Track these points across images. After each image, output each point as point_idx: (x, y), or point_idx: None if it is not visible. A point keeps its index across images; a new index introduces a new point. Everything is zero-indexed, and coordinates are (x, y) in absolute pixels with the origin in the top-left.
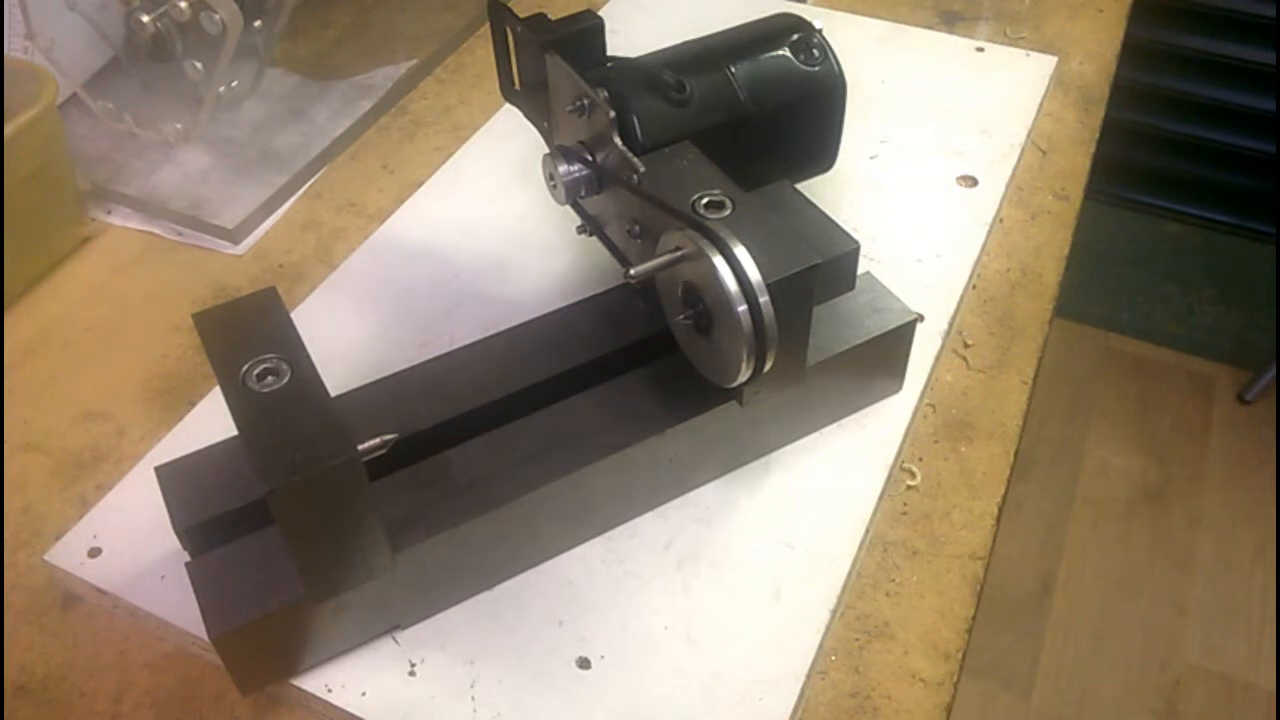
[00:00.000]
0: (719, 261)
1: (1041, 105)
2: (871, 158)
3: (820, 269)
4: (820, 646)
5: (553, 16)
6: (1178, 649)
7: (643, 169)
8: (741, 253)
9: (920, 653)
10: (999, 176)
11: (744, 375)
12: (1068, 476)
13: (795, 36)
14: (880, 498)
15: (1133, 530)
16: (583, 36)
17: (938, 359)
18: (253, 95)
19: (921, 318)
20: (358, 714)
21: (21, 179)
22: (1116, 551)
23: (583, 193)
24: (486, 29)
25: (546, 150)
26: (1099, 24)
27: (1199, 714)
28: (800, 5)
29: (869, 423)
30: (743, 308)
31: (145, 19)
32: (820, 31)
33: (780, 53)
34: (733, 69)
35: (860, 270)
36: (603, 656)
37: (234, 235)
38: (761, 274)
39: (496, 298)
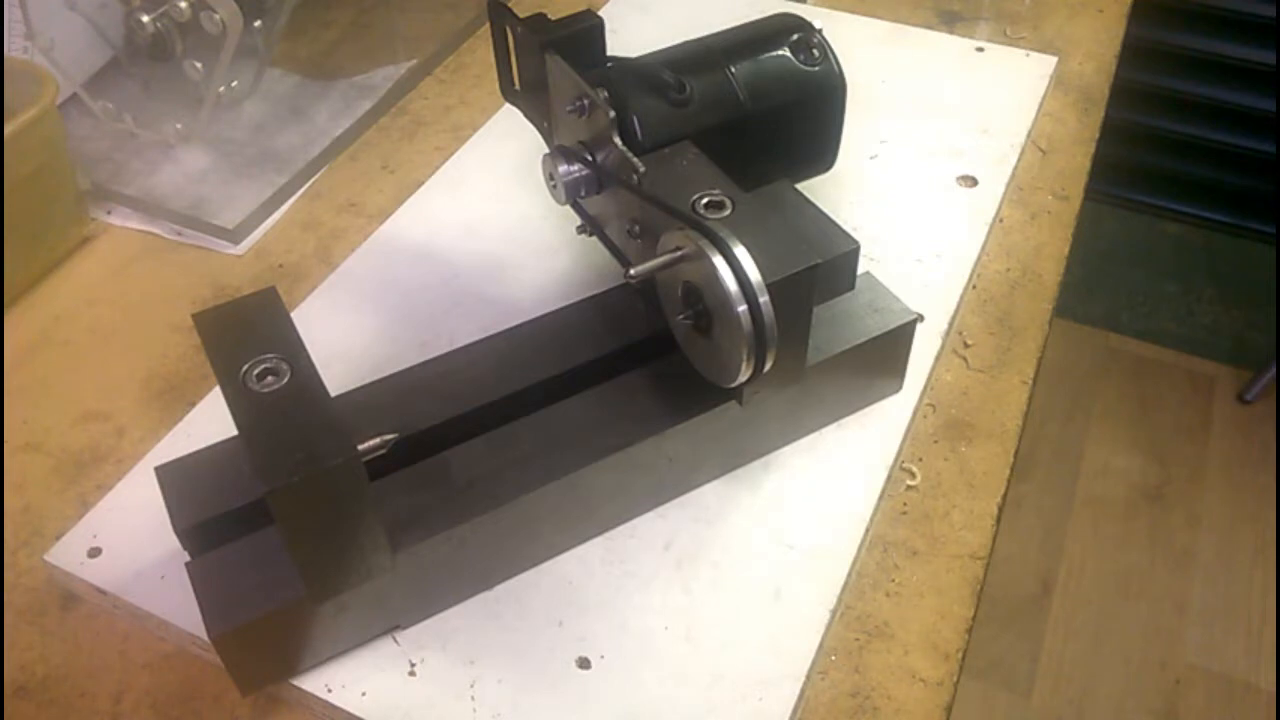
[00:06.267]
0: (719, 261)
1: (1041, 105)
2: (871, 158)
3: (820, 269)
4: (820, 646)
5: (553, 16)
6: (1178, 649)
7: (643, 169)
8: (741, 253)
9: (920, 653)
10: (999, 176)
11: (744, 375)
12: (1068, 476)
13: (795, 36)
14: (880, 498)
15: (1133, 530)
16: (583, 36)
17: (938, 359)
18: (253, 95)
19: (921, 318)
20: (358, 714)
21: (21, 179)
22: (1116, 551)
23: (583, 193)
24: (486, 29)
25: (546, 150)
26: (1099, 24)
27: (1199, 714)
28: (800, 5)
29: (869, 423)
30: (743, 308)
31: (145, 19)
32: (820, 31)
33: (780, 53)
34: (733, 69)
35: (860, 270)
36: (603, 656)
37: (234, 235)
38: (761, 274)
39: (496, 298)
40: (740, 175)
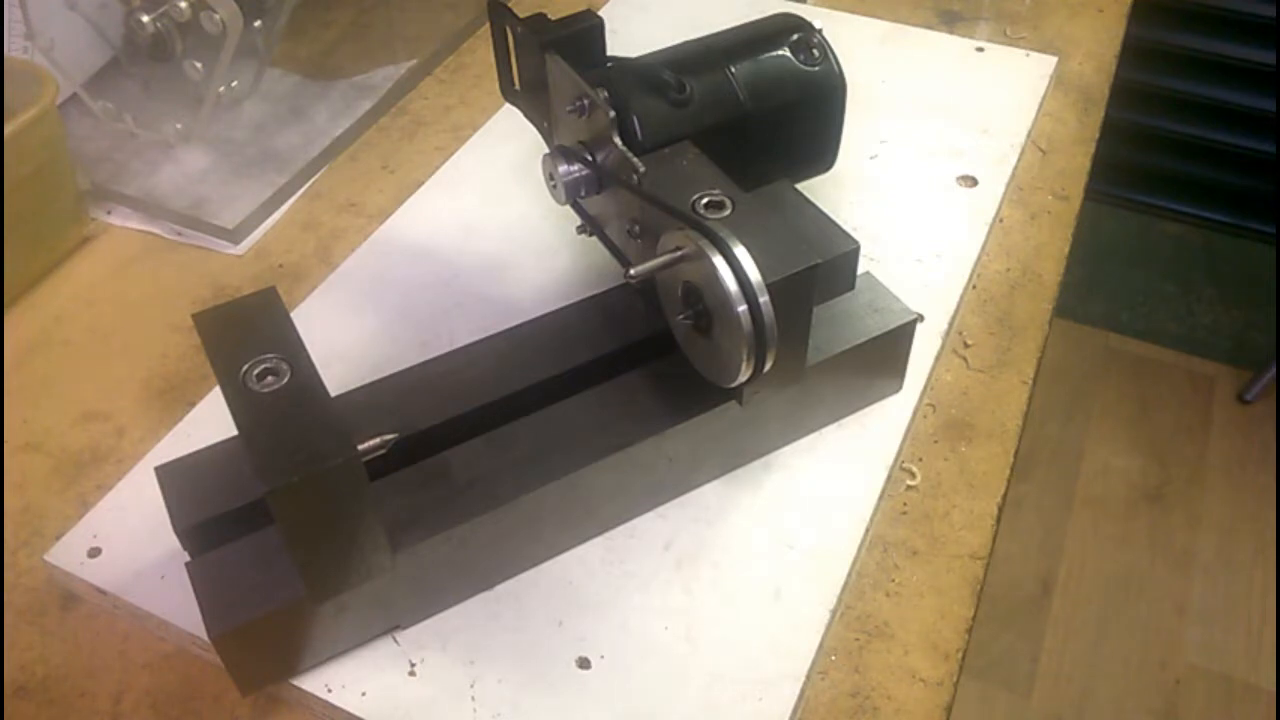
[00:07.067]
0: (719, 261)
1: (1041, 105)
2: (871, 158)
3: (820, 269)
4: (820, 646)
5: (553, 16)
6: (1178, 649)
7: (643, 169)
8: (741, 253)
9: (920, 653)
10: (999, 176)
11: (744, 375)
12: (1068, 476)
13: (795, 36)
14: (880, 498)
15: (1133, 530)
16: (583, 36)
17: (938, 359)
18: (253, 95)
19: (921, 318)
20: (358, 714)
21: (21, 179)
22: (1116, 551)
23: (583, 193)
24: (486, 29)
25: (546, 150)
26: (1099, 24)
27: (1199, 714)
28: (800, 5)
29: (869, 423)
30: (743, 308)
31: (145, 19)
32: (820, 31)
33: (780, 53)
34: (733, 69)
35: (860, 270)
36: (603, 656)
37: (234, 235)
38: (761, 274)
39: (496, 298)
40: (740, 175)
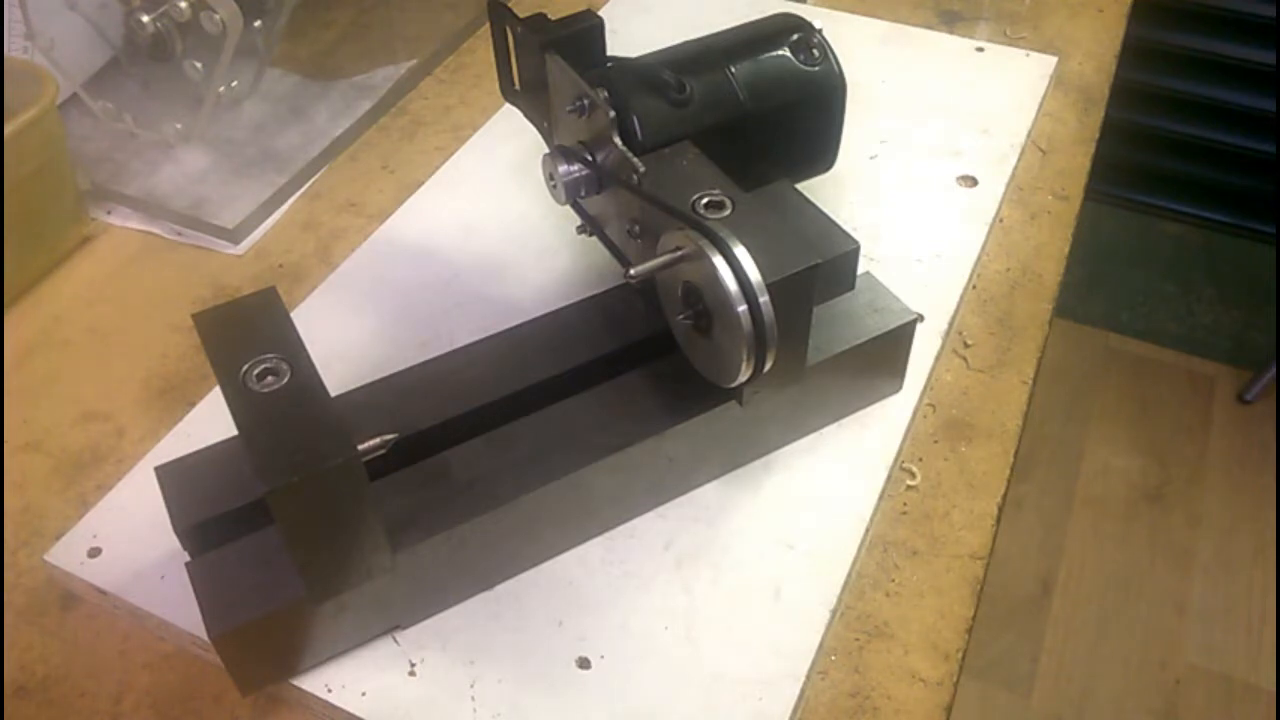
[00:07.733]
0: (719, 261)
1: (1041, 105)
2: (871, 158)
3: (820, 269)
4: (820, 646)
5: (553, 16)
6: (1178, 649)
7: (643, 169)
8: (741, 253)
9: (920, 653)
10: (999, 176)
11: (744, 375)
12: (1068, 476)
13: (795, 36)
14: (880, 498)
15: (1133, 530)
16: (583, 36)
17: (938, 359)
18: (253, 95)
19: (921, 318)
20: (358, 714)
21: (21, 179)
22: (1116, 551)
23: (583, 193)
24: (486, 29)
25: (546, 150)
26: (1099, 24)
27: (1199, 714)
28: (800, 5)
29: (869, 423)
30: (743, 308)
31: (145, 19)
32: (820, 31)
33: (780, 53)
34: (733, 69)
35: (860, 270)
36: (603, 656)
37: (234, 235)
38: (761, 274)
39: (496, 298)
40: (740, 175)
